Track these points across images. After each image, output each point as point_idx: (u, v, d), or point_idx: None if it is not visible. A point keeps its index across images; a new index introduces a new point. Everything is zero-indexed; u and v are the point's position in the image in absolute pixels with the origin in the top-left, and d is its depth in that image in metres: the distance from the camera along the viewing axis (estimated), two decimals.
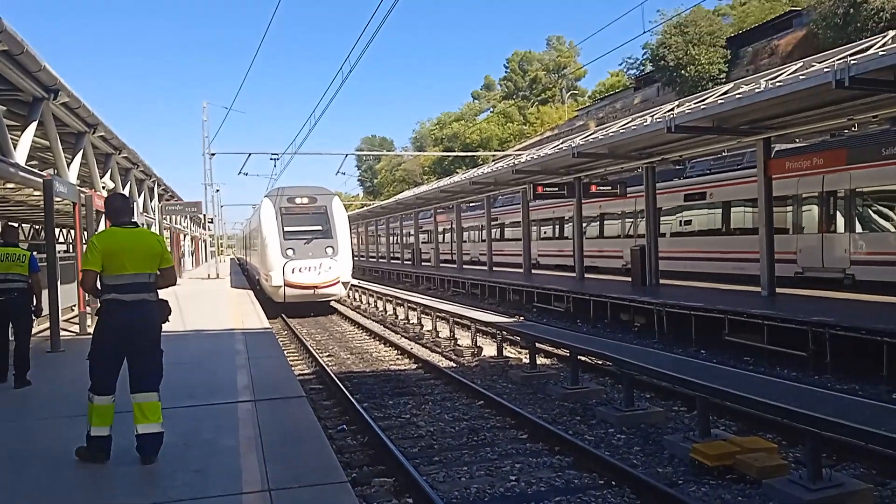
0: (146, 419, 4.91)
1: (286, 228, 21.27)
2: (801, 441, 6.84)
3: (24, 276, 7.87)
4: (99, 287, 5.07)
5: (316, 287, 20.50)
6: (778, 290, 15.74)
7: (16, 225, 10.37)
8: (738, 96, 14.06)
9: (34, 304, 8.12)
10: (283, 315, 20.67)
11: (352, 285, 24.08)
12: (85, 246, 9.41)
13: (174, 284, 5.51)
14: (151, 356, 5.09)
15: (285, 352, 12.69)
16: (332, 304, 23.71)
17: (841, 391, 9.30)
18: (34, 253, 8.32)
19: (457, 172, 49.71)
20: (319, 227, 21.65)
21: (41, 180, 10.13)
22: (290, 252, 20.70)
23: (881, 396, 9.34)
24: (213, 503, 4.22)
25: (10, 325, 8.00)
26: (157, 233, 25.83)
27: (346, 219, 22.71)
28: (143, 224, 21.81)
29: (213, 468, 4.85)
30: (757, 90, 13.56)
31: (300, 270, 20.31)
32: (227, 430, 5.81)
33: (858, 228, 15.98)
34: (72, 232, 37.66)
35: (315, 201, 22.34)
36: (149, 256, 5.14)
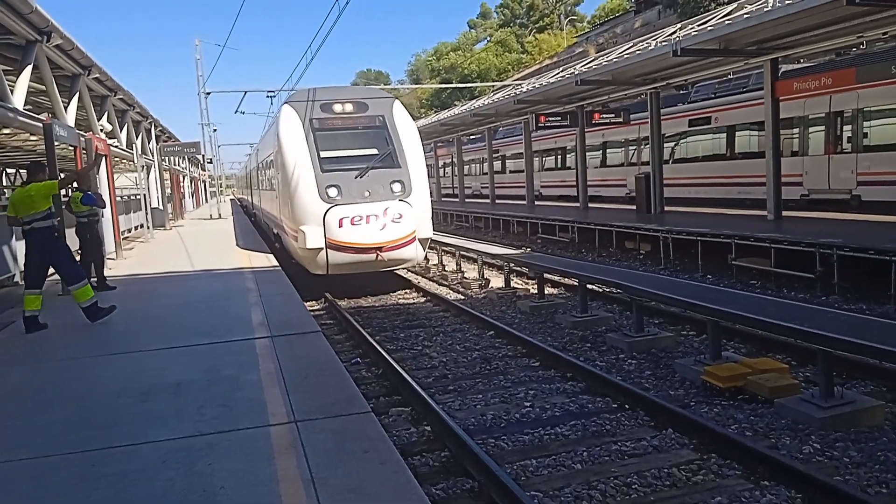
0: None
1: (324, 154, 13.31)
2: (812, 361, 6.95)
3: (83, 212, 10.67)
4: None
5: (380, 249, 12.56)
6: (783, 212, 15.73)
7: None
8: (745, 16, 13.72)
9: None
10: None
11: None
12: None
13: None
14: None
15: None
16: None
17: (849, 311, 9.39)
18: (87, 192, 10.87)
19: (455, 105, 49.01)
20: (376, 150, 13.60)
21: (41, 124, 9.99)
22: (332, 192, 12.80)
23: (889, 315, 9.44)
24: (242, 436, 4.30)
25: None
26: (157, 174, 25.75)
27: (418, 136, 14.39)
28: (142, 166, 21.65)
29: (239, 402, 4.93)
30: (765, 9, 13.21)
31: (353, 222, 12.55)
32: (248, 365, 5.89)
33: (865, 149, 15.83)
34: None
35: (365, 108, 14.16)
36: None
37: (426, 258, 16.05)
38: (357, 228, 12.60)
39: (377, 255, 12.62)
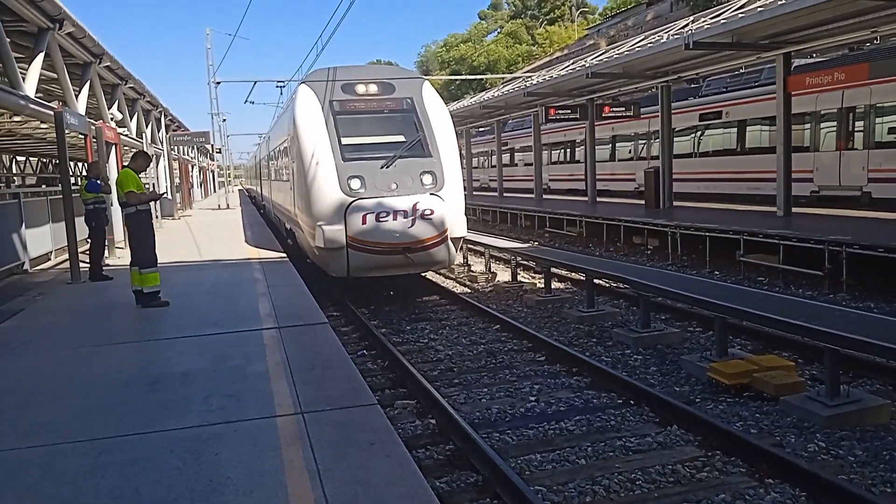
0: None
1: (346, 140, 11.79)
2: (819, 359, 6.91)
3: (89, 199, 10.79)
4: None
5: (408, 248, 11.03)
6: (793, 209, 15.65)
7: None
8: (759, 9, 13.60)
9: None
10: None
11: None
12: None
13: None
14: None
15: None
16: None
17: (857, 310, 9.34)
18: (93, 179, 10.93)
19: (464, 97, 48.89)
20: (403, 137, 12.01)
21: (52, 112, 10.04)
22: (355, 184, 11.26)
23: None
24: (249, 426, 4.33)
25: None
26: (166, 163, 25.84)
27: (450, 121, 12.77)
28: (151, 155, 21.70)
29: (246, 393, 4.96)
30: (779, 2, 13.10)
31: (378, 219, 10.98)
32: (255, 356, 5.91)
33: (877, 145, 15.72)
34: (79, 165, 37.63)
35: (392, 90, 12.57)
36: None
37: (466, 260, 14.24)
38: (383, 224, 10.99)
39: (405, 256, 11.09)
